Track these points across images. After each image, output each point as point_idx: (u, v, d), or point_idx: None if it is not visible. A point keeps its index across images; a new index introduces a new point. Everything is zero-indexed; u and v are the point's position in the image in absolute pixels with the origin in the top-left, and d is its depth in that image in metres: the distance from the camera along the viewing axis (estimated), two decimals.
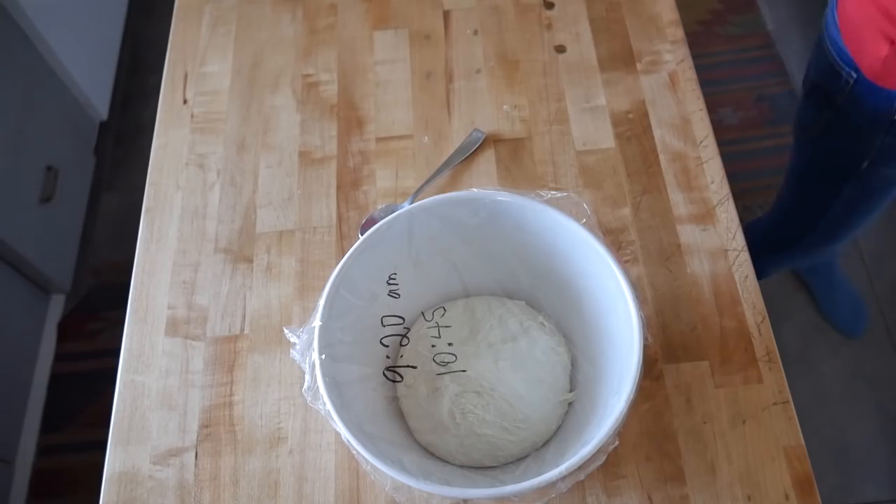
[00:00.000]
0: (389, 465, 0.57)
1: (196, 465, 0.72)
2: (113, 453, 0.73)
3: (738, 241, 0.81)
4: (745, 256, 0.80)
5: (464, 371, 0.70)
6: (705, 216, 0.82)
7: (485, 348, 0.71)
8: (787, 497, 0.67)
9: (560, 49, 0.96)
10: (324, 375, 0.60)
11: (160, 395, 0.75)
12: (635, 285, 0.63)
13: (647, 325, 0.66)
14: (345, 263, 0.65)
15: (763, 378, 0.73)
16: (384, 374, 0.71)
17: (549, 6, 1.00)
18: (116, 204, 1.85)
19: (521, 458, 0.68)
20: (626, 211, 0.83)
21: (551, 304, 0.74)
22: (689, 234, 0.81)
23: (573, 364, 0.72)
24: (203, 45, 0.99)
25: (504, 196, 0.67)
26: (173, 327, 0.79)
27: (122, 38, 2.04)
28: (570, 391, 0.70)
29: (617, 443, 0.58)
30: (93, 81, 1.84)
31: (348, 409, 0.60)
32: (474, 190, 0.68)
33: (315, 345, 0.61)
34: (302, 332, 0.64)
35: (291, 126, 0.92)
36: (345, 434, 0.58)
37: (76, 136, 1.80)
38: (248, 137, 0.92)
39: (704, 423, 0.71)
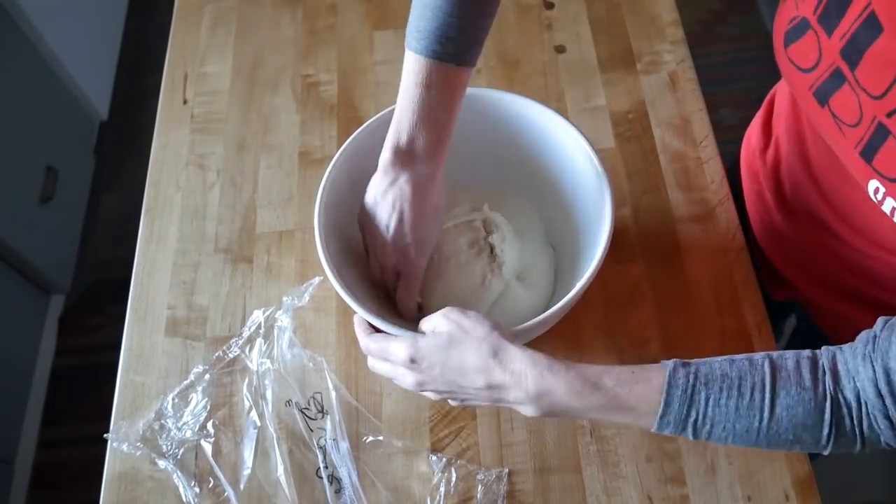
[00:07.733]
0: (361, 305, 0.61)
1: (196, 465, 0.72)
2: (113, 453, 0.73)
3: (738, 241, 0.80)
4: (745, 256, 0.80)
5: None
6: (705, 216, 0.82)
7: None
8: (787, 497, 0.67)
9: (560, 49, 0.96)
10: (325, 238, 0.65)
11: (160, 394, 0.75)
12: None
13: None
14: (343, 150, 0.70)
15: None
16: None
17: (549, 6, 1.00)
18: (116, 204, 1.85)
19: None
20: (626, 211, 0.83)
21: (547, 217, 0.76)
22: (689, 234, 0.81)
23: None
24: (203, 46, 0.99)
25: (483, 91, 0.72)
26: (173, 327, 0.79)
27: (122, 38, 2.04)
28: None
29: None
30: (93, 81, 1.84)
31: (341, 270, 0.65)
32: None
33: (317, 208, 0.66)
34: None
35: (291, 126, 0.92)
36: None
37: (76, 136, 1.80)
38: (248, 138, 0.92)
39: None
